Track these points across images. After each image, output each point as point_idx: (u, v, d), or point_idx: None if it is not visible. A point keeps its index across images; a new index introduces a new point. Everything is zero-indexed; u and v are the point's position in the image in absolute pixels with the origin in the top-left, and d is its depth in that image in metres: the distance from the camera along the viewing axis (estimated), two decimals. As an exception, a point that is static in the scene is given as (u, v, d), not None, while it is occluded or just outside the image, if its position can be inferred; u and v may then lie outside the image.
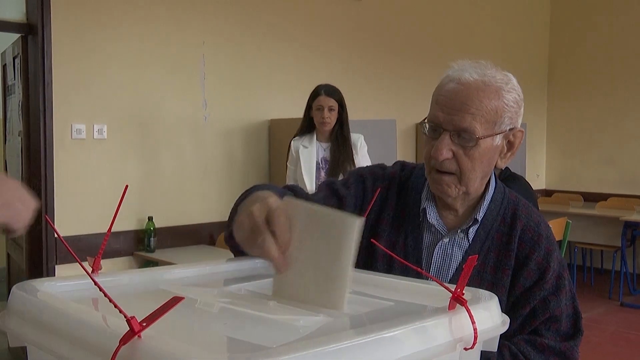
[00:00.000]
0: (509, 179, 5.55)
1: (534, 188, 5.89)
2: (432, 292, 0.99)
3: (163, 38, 4.11)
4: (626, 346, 4.73)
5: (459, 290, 0.85)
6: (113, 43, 3.90)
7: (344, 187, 1.41)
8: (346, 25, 5.17)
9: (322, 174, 3.74)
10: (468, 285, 1.30)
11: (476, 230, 1.35)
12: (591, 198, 6.76)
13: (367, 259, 1.36)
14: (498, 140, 1.29)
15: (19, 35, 3.77)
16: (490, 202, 1.37)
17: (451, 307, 0.85)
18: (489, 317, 0.90)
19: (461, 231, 1.36)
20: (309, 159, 3.70)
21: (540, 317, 1.30)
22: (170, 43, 4.14)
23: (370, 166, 1.51)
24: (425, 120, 1.32)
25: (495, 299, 0.94)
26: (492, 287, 1.28)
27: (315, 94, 3.71)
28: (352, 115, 5.20)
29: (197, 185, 4.30)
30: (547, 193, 7.27)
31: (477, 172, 1.29)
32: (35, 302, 0.87)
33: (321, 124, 3.68)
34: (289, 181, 3.69)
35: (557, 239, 5.36)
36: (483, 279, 1.32)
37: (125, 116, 3.96)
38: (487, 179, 1.37)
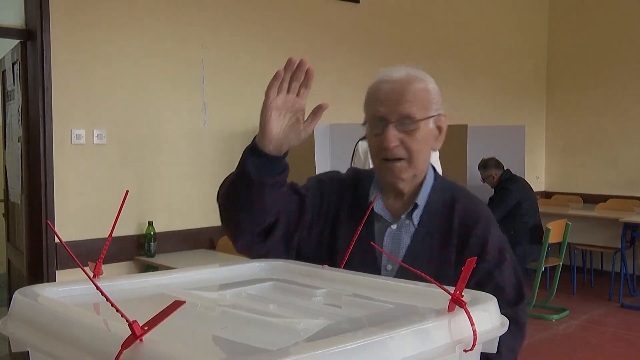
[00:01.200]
0: (509, 180, 5.58)
1: (533, 190, 5.92)
2: (431, 294, 0.99)
3: (162, 42, 4.12)
4: (626, 347, 4.73)
5: (457, 292, 0.85)
6: (112, 48, 3.90)
7: (304, 188, 1.54)
8: (345, 29, 5.18)
9: None
10: (418, 262, 1.38)
11: (420, 215, 1.48)
12: (591, 199, 6.77)
13: (329, 257, 1.46)
14: (431, 124, 1.47)
15: (18, 41, 3.78)
16: (430, 188, 1.51)
17: (450, 309, 0.86)
18: (488, 318, 0.90)
19: (406, 217, 1.49)
20: None
21: (485, 288, 1.35)
22: (169, 47, 4.15)
23: (327, 172, 1.65)
24: (366, 120, 1.50)
25: (494, 300, 0.95)
26: (440, 264, 1.43)
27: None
28: (351, 118, 5.21)
29: (197, 190, 4.31)
30: (547, 195, 7.28)
31: (423, 153, 1.46)
32: (37, 307, 0.88)
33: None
34: None
35: (556, 240, 5.39)
36: (432, 258, 1.45)
37: (125, 121, 3.97)
38: (428, 163, 1.52)
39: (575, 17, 7.16)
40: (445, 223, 1.47)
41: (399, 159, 1.44)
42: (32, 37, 3.70)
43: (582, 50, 7.09)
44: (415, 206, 1.48)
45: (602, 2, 6.94)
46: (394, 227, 1.49)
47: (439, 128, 1.49)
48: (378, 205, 1.50)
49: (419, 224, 1.48)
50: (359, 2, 5.26)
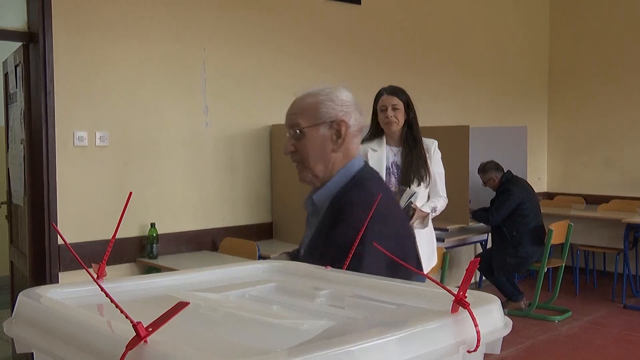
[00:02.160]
0: (510, 181, 5.58)
1: (535, 191, 5.91)
2: (435, 295, 0.99)
3: (164, 45, 4.12)
4: (629, 348, 4.72)
5: (461, 293, 0.86)
6: (114, 50, 3.91)
7: None
8: (347, 30, 5.19)
9: (393, 179, 3.41)
10: (314, 251, 1.57)
11: (322, 209, 1.70)
12: (593, 200, 6.76)
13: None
14: (323, 129, 1.67)
15: (21, 43, 3.79)
16: (325, 188, 1.70)
17: (454, 310, 0.86)
18: (491, 319, 0.90)
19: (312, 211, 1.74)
20: (378, 163, 3.35)
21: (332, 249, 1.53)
22: (171, 50, 4.16)
23: None
24: None
25: (497, 301, 0.95)
26: (325, 247, 1.60)
27: (378, 96, 3.48)
28: (353, 120, 5.21)
29: (199, 192, 4.31)
30: (549, 196, 7.27)
31: (312, 156, 1.68)
32: (42, 309, 0.88)
33: (386, 124, 3.39)
34: None
35: (559, 241, 5.39)
36: (318, 242, 1.65)
37: (127, 123, 3.97)
38: (332, 165, 1.69)
39: (577, 18, 7.16)
40: (328, 217, 1.65)
41: (297, 164, 1.73)
42: (35, 40, 3.70)
43: (584, 51, 7.09)
44: (313, 202, 1.72)
45: (603, 3, 6.94)
46: (313, 218, 1.75)
47: (338, 132, 1.67)
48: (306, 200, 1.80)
49: (321, 216, 1.70)
50: (360, 4, 5.26)
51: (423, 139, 3.45)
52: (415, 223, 3.28)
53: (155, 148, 4.10)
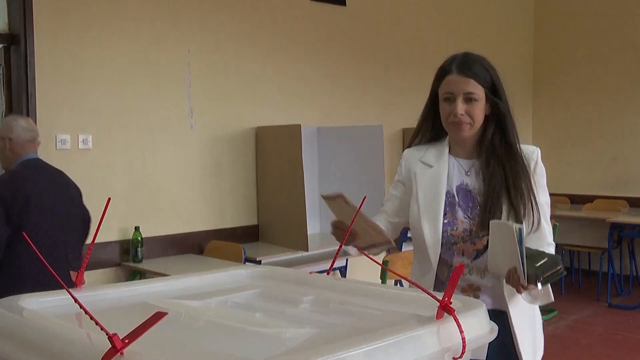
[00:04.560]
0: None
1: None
2: (420, 300, 0.98)
3: (148, 46, 4.09)
4: (615, 347, 4.75)
5: (446, 299, 0.84)
6: (97, 52, 3.87)
7: None
8: (332, 31, 5.17)
9: (460, 214, 1.88)
10: None
11: None
12: (578, 200, 6.79)
13: None
14: None
15: (1, 45, 3.74)
16: None
17: (439, 316, 0.84)
18: (477, 325, 0.89)
19: None
20: (433, 187, 1.92)
21: None
22: (155, 51, 4.12)
23: None
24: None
25: (483, 306, 0.94)
26: None
27: (442, 73, 1.98)
28: (338, 121, 5.21)
29: (184, 194, 4.28)
30: (534, 196, 7.29)
31: None
32: (18, 320, 0.86)
33: (452, 125, 1.88)
34: (382, 221, 1.95)
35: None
36: None
37: (111, 125, 3.93)
38: None
39: (562, 15, 7.19)
40: None
41: None
42: (16, 42, 3.66)
43: (569, 50, 7.13)
44: None
45: (586, 5, 6.98)
46: None
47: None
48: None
49: None
50: (345, 5, 5.25)
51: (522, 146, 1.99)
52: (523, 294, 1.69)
53: (139, 151, 4.07)
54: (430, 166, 1.98)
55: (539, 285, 1.59)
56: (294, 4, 4.90)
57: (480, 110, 1.90)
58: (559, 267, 1.61)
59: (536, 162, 2.02)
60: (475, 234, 1.84)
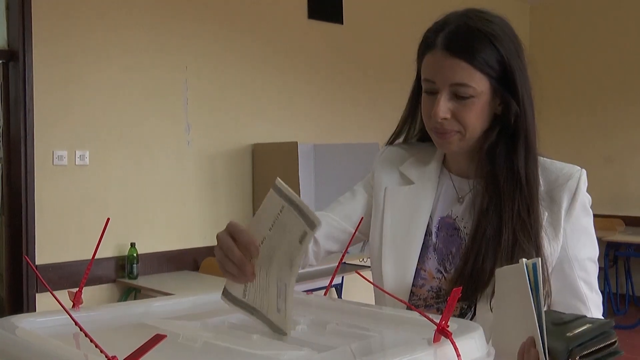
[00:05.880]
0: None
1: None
2: (417, 322, 0.98)
3: (145, 63, 4.11)
4: (611, 367, 4.74)
5: (443, 322, 0.84)
6: (95, 68, 3.89)
7: None
8: (329, 49, 5.21)
9: (432, 264, 1.28)
10: None
11: None
12: (573, 218, 6.80)
13: None
14: None
15: (0, 61, 3.75)
16: None
17: (436, 339, 0.84)
18: (475, 348, 0.89)
19: None
20: (408, 216, 1.31)
21: None
22: (152, 68, 4.14)
23: None
24: None
25: (480, 329, 0.93)
26: None
27: (424, 46, 1.47)
28: (335, 138, 5.22)
29: (180, 211, 4.28)
30: (530, 214, 7.30)
31: None
32: (15, 340, 0.86)
33: (434, 133, 1.28)
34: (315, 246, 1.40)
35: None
36: None
37: (108, 142, 3.94)
38: None
39: (556, 27, 7.24)
40: None
41: None
42: (15, 58, 3.68)
43: (564, 65, 7.17)
44: None
45: (581, 13, 7.03)
46: None
47: None
48: None
49: None
50: (342, 24, 5.29)
51: (547, 164, 1.44)
52: None
53: (136, 167, 4.07)
54: (411, 182, 1.35)
55: None
56: (292, 22, 4.94)
57: (478, 112, 1.22)
58: (611, 341, 0.98)
59: (573, 196, 1.28)
60: (444, 297, 1.21)
